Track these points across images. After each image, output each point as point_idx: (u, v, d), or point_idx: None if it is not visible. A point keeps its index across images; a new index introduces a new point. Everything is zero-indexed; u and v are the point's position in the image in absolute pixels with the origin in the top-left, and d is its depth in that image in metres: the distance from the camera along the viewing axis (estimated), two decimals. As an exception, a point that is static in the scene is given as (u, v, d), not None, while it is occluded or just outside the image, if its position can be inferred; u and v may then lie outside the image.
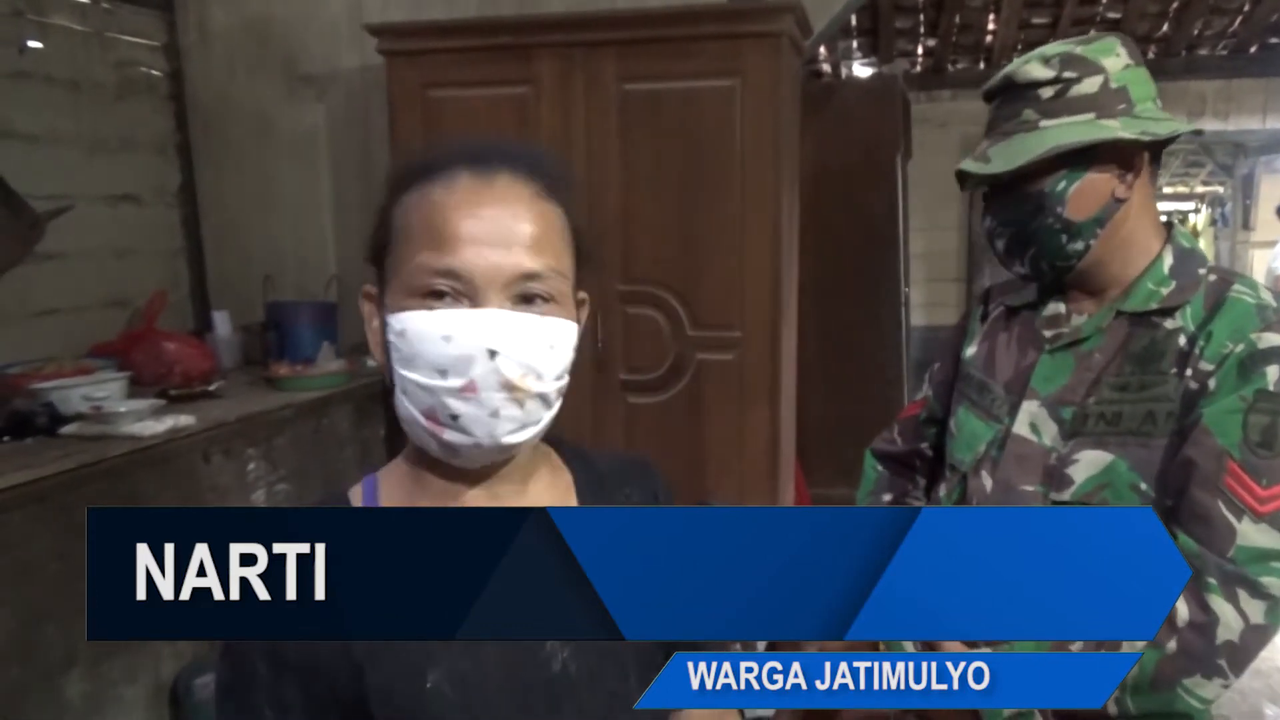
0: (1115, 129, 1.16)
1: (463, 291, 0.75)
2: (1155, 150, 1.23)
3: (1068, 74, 1.17)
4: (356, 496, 0.84)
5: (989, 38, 5.31)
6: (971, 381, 1.35)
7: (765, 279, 2.70)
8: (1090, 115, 1.17)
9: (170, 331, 3.01)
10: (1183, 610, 1.06)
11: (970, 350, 1.38)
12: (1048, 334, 1.27)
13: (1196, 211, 10.70)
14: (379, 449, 3.06)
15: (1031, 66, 1.18)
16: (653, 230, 2.75)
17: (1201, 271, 1.20)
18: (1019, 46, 5.31)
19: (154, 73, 3.36)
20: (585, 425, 2.84)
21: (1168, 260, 1.21)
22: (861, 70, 5.66)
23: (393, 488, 0.84)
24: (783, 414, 2.82)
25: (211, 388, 2.73)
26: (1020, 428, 1.23)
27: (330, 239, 3.47)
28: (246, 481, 2.53)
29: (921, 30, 5.35)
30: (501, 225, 0.76)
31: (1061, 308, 1.27)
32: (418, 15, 3.03)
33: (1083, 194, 1.17)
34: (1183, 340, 1.15)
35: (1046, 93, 1.17)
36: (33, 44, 2.83)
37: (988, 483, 1.25)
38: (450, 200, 0.76)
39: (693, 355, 2.78)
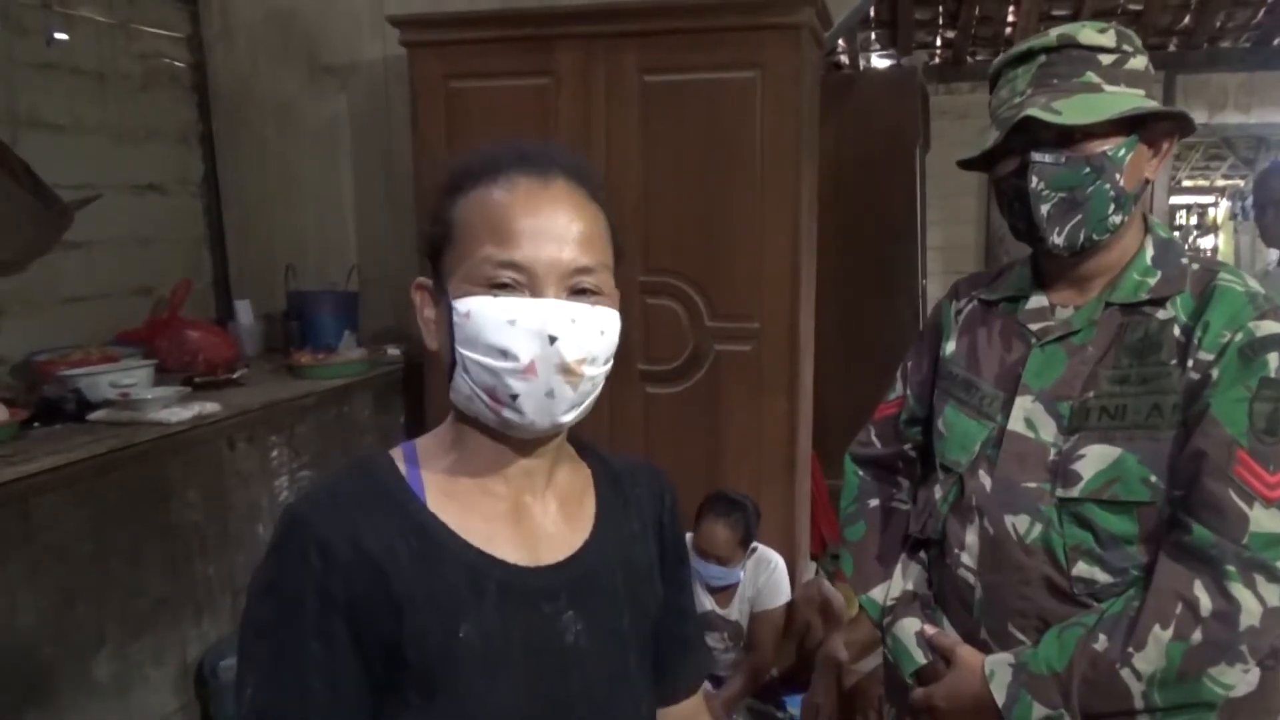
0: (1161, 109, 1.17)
1: (524, 283, 0.81)
2: (1169, 141, 1.23)
3: (1125, 46, 1.18)
4: (398, 455, 0.89)
5: (1009, 29, 5.28)
6: (955, 380, 1.33)
7: (784, 270, 2.71)
8: (1141, 91, 1.17)
9: (194, 320, 3.05)
10: (1205, 600, 1.06)
11: (950, 348, 1.36)
12: (1034, 328, 1.25)
13: (1216, 205, 10.62)
14: (399, 436, 3.10)
15: (1091, 32, 1.17)
16: (672, 221, 2.76)
17: (1184, 261, 1.20)
18: (1039, 38, 5.28)
19: (178, 64, 3.39)
20: (603, 415, 2.85)
21: (1149, 251, 1.21)
22: (880, 62, 5.64)
23: (432, 450, 0.90)
24: (800, 405, 2.83)
25: (235, 375, 2.76)
26: (1015, 424, 1.22)
27: (352, 229, 3.50)
28: (270, 468, 2.56)
29: (940, 22, 5.32)
30: (558, 224, 0.82)
31: (1044, 300, 1.26)
32: (439, 7, 3.05)
33: (1134, 165, 1.17)
34: (1178, 331, 1.15)
35: (1106, 59, 1.17)
36: (59, 35, 2.86)
37: (986, 482, 1.24)
38: (512, 200, 0.83)
39: (711, 346, 2.79)
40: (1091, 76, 1.16)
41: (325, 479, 0.88)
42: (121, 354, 2.73)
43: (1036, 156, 1.16)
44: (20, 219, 2.52)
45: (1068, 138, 1.15)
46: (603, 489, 0.96)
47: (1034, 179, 1.17)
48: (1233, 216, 9.02)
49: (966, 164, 1.28)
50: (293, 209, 3.51)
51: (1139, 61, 1.18)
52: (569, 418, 0.84)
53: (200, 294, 3.41)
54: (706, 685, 2.78)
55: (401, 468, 0.87)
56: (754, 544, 2.65)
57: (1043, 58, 1.18)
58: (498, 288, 0.81)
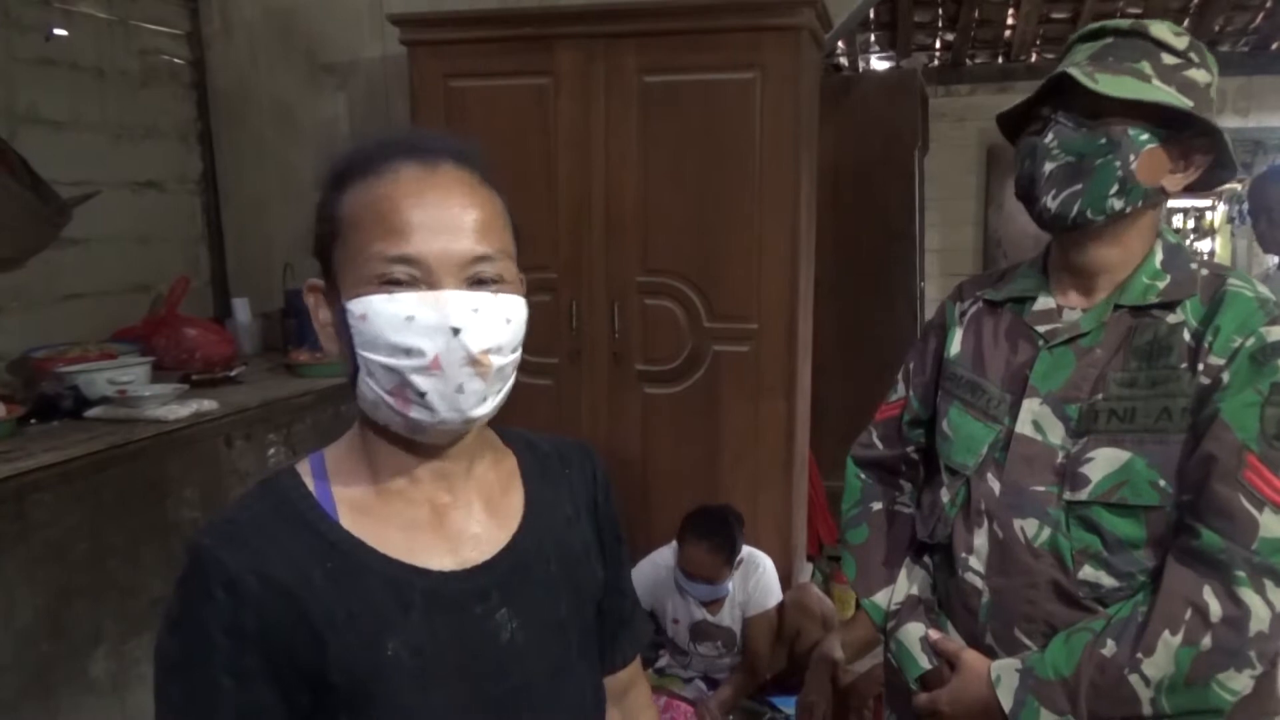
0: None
1: (419, 277, 0.77)
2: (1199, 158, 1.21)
3: (1193, 55, 1.17)
4: (305, 470, 0.86)
5: (1008, 32, 5.27)
6: (960, 381, 1.32)
7: (782, 271, 2.71)
8: (1190, 102, 1.16)
9: (192, 317, 3.04)
10: (1214, 606, 1.06)
11: (954, 349, 1.35)
12: (1042, 329, 1.25)
13: (1213, 209, 10.62)
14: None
15: (1164, 29, 1.17)
16: (671, 222, 2.76)
17: (1193, 266, 1.20)
18: (1038, 41, 5.29)
19: (177, 61, 3.39)
20: (601, 415, 2.86)
21: (1158, 255, 1.21)
22: (880, 64, 5.64)
23: (341, 461, 0.87)
24: (798, 406, 2.83)
25: (232, 373, 2.76)
26: (1023, 427, 1.22)
27: (350, 228, 3.49)
28: (267, 466, 2.56)
29: (940, 24, 5.33)
30: (450, 212, 0.79)
31: (1052, 302, 1.26)
32: (440, 6, 3.04)
33: (1152, 160, 1.16)
34: (1188, 335, 1.15)
35: (1168, 60, 1.16)
36: (59, 31, 2.86)
37: (995, 485, 1.23)
38: (398, 191, 0.79)
39: (709, 347, 2.79)
40: (1145, 67, 1.16)
41: (228, 507, 0.84)
42: (119, 351, 2.73)
43: (1061, 117, 1.17)
44: (18, 215, 2.51)
45: (1097, 113, 1.15)
46: (530, 477, 0.94)
47: (1049, 135, 1.17)
48: (1230, 220, 9.01)
49: (1002, 121, 1.28)
50: (291, 207, 3.49)
51: (1200, 75, 1.17)
52: (480, 411, 0.80)
53: (198, 292, 3.40)
54: (702, 687, 2.79)
55: (309, 484, 0.84)
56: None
57: (1110, 39, 1.19)
58: (391, 284, 0.77)
